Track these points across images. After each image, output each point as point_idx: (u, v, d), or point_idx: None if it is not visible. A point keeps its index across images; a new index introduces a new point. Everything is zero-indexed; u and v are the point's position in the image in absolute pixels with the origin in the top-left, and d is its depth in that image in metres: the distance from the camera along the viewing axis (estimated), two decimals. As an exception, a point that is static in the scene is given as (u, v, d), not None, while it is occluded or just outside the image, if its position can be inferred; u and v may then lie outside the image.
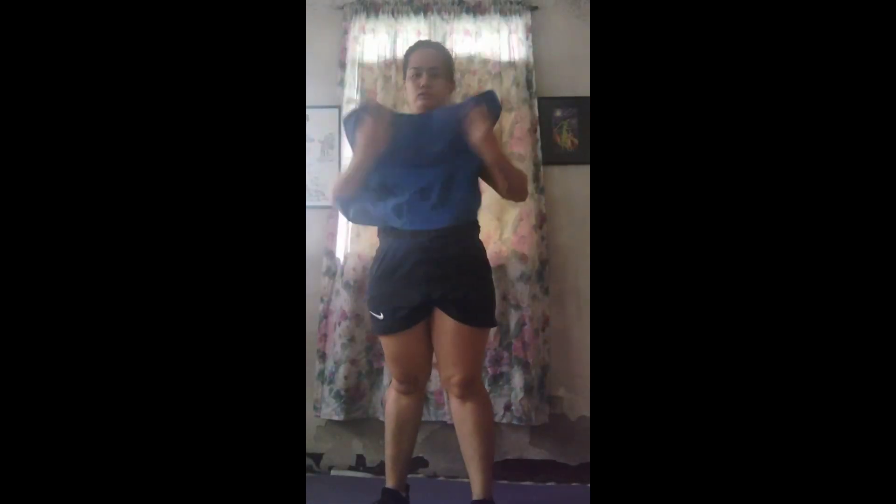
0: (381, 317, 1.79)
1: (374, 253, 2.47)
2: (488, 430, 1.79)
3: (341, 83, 2.60)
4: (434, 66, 1.82)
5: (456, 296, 1.71)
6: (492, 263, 1.93)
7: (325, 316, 2.51)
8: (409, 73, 1.84)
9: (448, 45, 2.53)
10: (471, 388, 1.76)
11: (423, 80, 1.80)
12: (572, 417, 2.50)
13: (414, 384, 1.84)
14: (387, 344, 1.85)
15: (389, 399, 1.89)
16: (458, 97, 2.24)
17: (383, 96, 2.56)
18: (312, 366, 2.47)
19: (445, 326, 1.74)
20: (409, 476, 1.96)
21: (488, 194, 1.94)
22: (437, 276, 1.72)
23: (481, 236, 1.87)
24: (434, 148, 1.73)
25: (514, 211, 2.48)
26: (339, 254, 2.53)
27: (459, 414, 1.79)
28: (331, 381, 2.45)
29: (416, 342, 1.79)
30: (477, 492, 1.76)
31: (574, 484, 2.38)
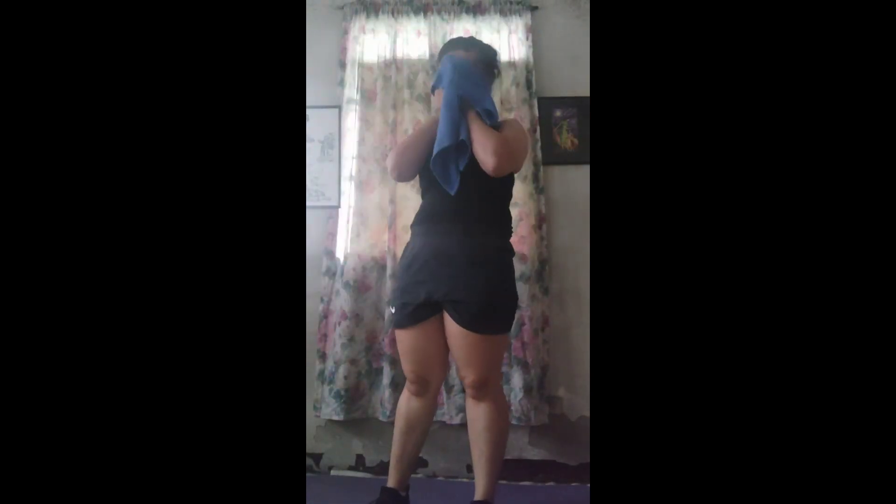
0: (394, 310, 1.83)
1: (374, 253, 2.51)
2: (499, 433, 1.77)
3: (341, 83, 2.60)
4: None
5: (458, 298, 1.70)
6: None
7: (325, 316, 2.51)
8: None
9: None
10: (484, 390, 1.75)
11: None
12: (572, 417, 2.50)
13: (425, 386, 1.82)
14: (399, 338, 1.85)
15: (402, 399, 1.88)
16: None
17: (383, 96, 2.56)
18: (312, 366, 2.47)
19: (451, 329, 1.74)
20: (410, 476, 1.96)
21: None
22: (442, 276, 1.72)
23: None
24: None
25: (513, 211, 2.47)
26: (339, 254, 2.53)
27: (472, 414, 1.79)
28: (331, 381, 2.45)
29: (425, 340, 1.78)
30: (478, 493, 1.76)
31: (574, 484, 2.38)
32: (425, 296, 1.73)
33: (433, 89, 1.87)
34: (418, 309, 1.75)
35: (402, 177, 1.87)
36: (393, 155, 1.83)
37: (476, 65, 1.85)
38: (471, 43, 1.94)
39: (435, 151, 1.72)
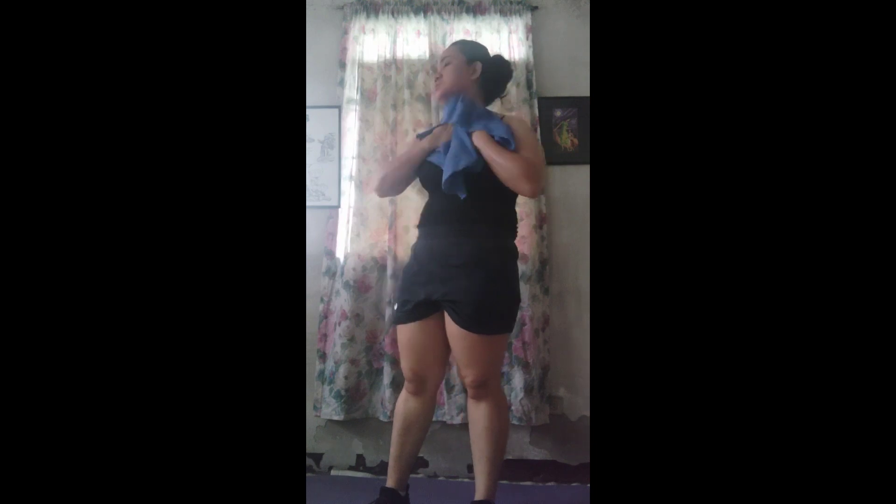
0: (395, 307, 1.87)
1: (374, 253, 2.51)
2: (499, 434, 1.78)
3: (341, 83, 2.60)
4: (444, 56, 1.92)
5: (456, 298, 1.70)
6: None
7: (325, 316, 2.51)
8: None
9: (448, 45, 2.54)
10: (484, 390, 1.76)
11: (437, 74, 1.92)
12: (572, 417, 2.50)
13: (422, 385, 1.83)
14: (399, 334, 1.87)
15: (399, 398, 1.89)
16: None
17: (383, 96, 2.56)
18: (312, 366, 2.48)
19: (450, 329, 1.75)
20: (409, 476, 1.96)
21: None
22: (440, 276, 1.73)
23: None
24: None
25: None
26: (339, 254, 2.53)
27: (472, 414, 1.80)
28: (331, 381, 2.45)
29: (423, 336, 1.79)
30: (479, 493, 1.76)
31: (574, 484, 2.38)
32: (424, 295, 1.76)
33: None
34: (418, 306, 1.78)
35: (385, 195, 2.00)
36: (380, 176, 1.94)
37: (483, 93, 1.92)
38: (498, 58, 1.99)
39: (457, 168, 1.72)
